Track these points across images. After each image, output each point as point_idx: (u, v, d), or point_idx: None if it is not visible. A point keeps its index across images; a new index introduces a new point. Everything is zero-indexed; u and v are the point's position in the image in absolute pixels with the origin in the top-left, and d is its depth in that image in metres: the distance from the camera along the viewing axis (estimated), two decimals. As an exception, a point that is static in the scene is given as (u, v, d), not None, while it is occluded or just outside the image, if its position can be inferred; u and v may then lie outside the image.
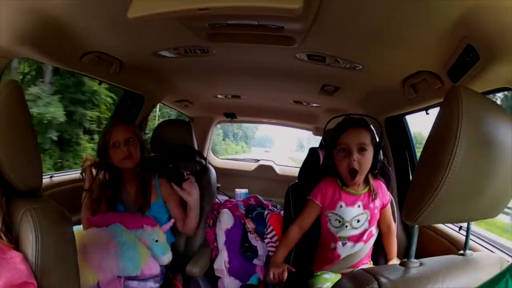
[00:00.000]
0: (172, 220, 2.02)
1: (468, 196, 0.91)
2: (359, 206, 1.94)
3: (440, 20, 1.33)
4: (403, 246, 2.52)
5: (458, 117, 0.84)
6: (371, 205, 1.95)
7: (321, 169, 2.09)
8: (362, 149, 1.85)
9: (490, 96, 1.60)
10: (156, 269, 1.87)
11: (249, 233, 2.15)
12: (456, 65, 1.51)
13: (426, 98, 2.03)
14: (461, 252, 1.14)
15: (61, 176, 2.63)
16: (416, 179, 0.96)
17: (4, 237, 1.11)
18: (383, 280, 0.89)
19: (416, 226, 1.02)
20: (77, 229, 1.90)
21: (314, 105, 3.40)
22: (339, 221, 1.94)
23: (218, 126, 4.89)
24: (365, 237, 1.94)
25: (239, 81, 2.85)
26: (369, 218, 1.94)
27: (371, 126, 1.96)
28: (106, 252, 1.77)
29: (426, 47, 1.58)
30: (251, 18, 1.49)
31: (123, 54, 2.18)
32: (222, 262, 2.13)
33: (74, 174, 2.77)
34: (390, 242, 2.05)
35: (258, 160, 5.10)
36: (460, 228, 2.13)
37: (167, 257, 1.96)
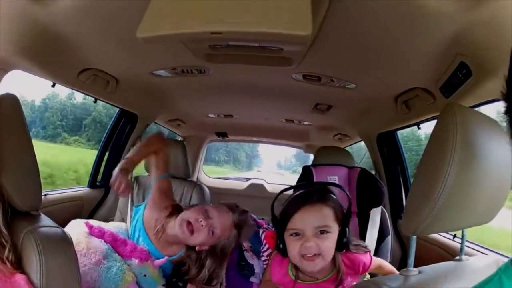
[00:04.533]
0: (166, 258, 1.91)
1: (463, 205, 0.93)
2: None
3: (434, 39, 1.38)
4: (397, 257, 2.54)
5: (453, 134, 0.87)
6: (340, 287, 1.62)
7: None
8: (322, 232, 1.49)
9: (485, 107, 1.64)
10: None
11: (245, 252, 2.15)
12: (449, 81, 1.56)
13: (418, 114, 2.08)
14: (457, 258, 1.16)
15: (56, 194, 2.61)
16: (414, 193, 0.98)
17: (9, 264, 1.06)
18: None
19: (414, 236, 1.04)
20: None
21: (306, 123, 3.43)
22: None
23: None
24: None
25: (232, 100, 2.89)
26: None
27: (334, 198, 1.59)
28: (91, 264, 1.74)
29: (420, 65, 1.63)
30: (252, 40, 1.52)
31: (120, 73, 2.19)
32: (219, 280, 2.12)
33: (70, 192, 2.75)
34: (388, 271, 1.80)
35: (249, 179, 5.11)
36: (454, 236, 2.17)
37: None
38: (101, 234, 1.90)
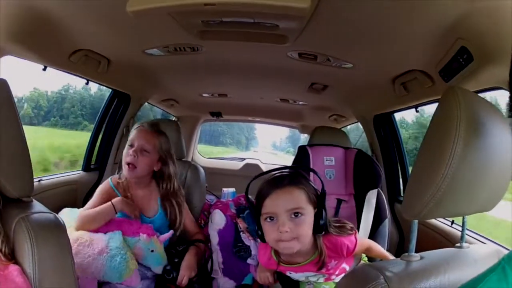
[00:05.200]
0: (171, 232, 1.98)
1: (467, 190, 0.91)
2: (309, 271, 1.66)
3: (435, 22, 1.35)
4: (395, 242, 2.54)
5: (457, 118, 0.85)
6: (324, 270, 1.62)
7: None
8: (296, 214, 1.47)
9: (483, 94, 1.61)
10: (136, 282, 1.84)
11: (241, 233, 2.13)
12: (449, 65, 1.53)
13: (417, 97, 2.05)
14: (458, 244, 1.14)
15: (50, 180, 2.58)
16: (415, 176, 0.96)
17: (2, 256, 1.04)
18: (388, 274, 0.89)
19: (416, 221, 1.02)
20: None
21: (301, 103, 3.41)
22: (294, 279, 1.75)
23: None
24: (333, 277, 1.70)
25: (227, 79, 2.86)
26: (326, 276, 1.68)
27: (306, 181, 1.56)
28: (94, 254, 1.75)
29: (419, 47, 1.60)
30: (246, 16, 1.47)
31: (111, 52, 2.16)
32: (216, 262, 2.11)
33: (64, 176, 2.73)
34: (380, 254, 1.79)
35: (244, 159, 5.09)
36: (453, 222, 2.16)
37: (162, 267, 1.94)
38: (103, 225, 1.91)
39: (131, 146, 2.00)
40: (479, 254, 1.10)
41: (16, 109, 1.11)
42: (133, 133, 2.04)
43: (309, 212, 1.49)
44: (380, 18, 1.41)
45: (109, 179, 2.08)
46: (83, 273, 1.72)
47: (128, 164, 1.96)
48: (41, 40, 1.75)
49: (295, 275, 1.68)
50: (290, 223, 1.45)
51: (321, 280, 1.69)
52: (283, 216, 1.46)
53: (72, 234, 1.67)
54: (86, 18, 1.66)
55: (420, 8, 1.28)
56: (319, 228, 1.52)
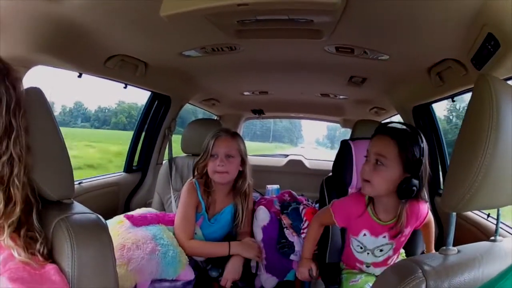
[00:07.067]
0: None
1: (502, 181, 0.90)
2: (384, 237, 1.72)
3: (460, 9, 1.34)
4: (435, 235, 2.50)
5: (490, 106, 0.84)
6: (398, 237, 1.70)
7: None
8: (377, 162, 1.55)
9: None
10: (191, 276, 1.88)
11: (285, 229, 2.14)
12: (479, 53, 1.51)
13: (452, 86, 2.03)
14: (493, 238, 1.12)
15: (91, 181, 2.65)
16: (453, 168, 0.95)
17: (40, 256, 1.00)
18: (426, 268, 0.89)
19: (454, 214, 1.02)
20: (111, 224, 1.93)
21: (341, 97, 3.40)
22: (361, 247, 1.79)
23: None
24: (389, 262, 1.78)
25: (266, 76, 2.87)
26: (394, 247, 1.74)
27: (411, 143, 1.55)
28: (147, 254, 1.77)
29: (449, 36, 1.58)
30: (281, 13, 1.48)
31: (148, 56, 2.20)
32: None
33: (104, 178, 2.82)
34: (429, 237, 1.89)
35: (288, 155, 5.08)
36: (488, 215, 2.14)
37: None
38: (143, 219, 1.96)
39: (214, 156, 2.04)
40: (510, 248, 1.08)
41: (53, 115, 1.13)
42: (210, 144, 2.07)
43: (390, 168, 1.54)
44: (409, 8, 1.41)
45: (193, 181, 2.12)
46: (142, 277, 1.75)
47: (219, 173, 2.02)
48: (73, 49, 1.80)
49: (369, 239, 1.74)
50: (372, 167, 1.56)
51: (384, 256, 1.75)
52: (371, 156, 1.58)
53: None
54: (119, 24, 1.69)
55: None
56: (402, 192, 1.55)
